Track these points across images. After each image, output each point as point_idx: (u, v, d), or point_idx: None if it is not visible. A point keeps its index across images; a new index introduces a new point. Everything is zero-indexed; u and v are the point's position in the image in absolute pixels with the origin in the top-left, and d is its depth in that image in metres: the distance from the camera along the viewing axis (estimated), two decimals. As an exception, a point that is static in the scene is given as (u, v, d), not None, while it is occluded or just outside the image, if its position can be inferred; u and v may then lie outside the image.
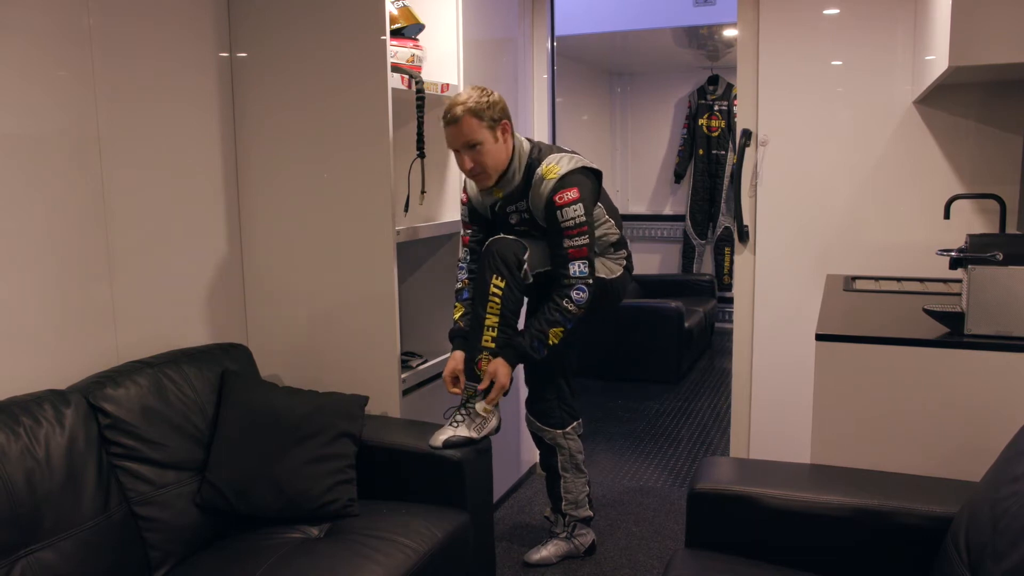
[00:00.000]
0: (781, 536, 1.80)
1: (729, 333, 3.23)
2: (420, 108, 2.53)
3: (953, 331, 1.90)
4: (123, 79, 2.20)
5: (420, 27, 2.63)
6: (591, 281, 2.40)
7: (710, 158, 6.32)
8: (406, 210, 2.57)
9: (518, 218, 2.52)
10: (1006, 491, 1.40)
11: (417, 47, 2.60)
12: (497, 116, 2.37)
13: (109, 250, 2.18)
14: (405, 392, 2.58)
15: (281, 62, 2.50)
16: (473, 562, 2.26)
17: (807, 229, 3.04)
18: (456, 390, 2.46)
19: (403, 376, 2.55)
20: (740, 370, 3.19)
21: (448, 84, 2.71)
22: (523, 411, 3.30)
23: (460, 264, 2.64)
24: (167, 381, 2.14)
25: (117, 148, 2.19)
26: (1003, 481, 1.44)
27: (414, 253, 2.90)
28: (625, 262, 2.67)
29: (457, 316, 2.57)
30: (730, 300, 3.00)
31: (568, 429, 2.74)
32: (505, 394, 2.46)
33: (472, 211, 2.62)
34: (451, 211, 2.85)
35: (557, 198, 2.37)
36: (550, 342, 2.40)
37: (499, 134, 2.39)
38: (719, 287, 6.36)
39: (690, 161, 6.40)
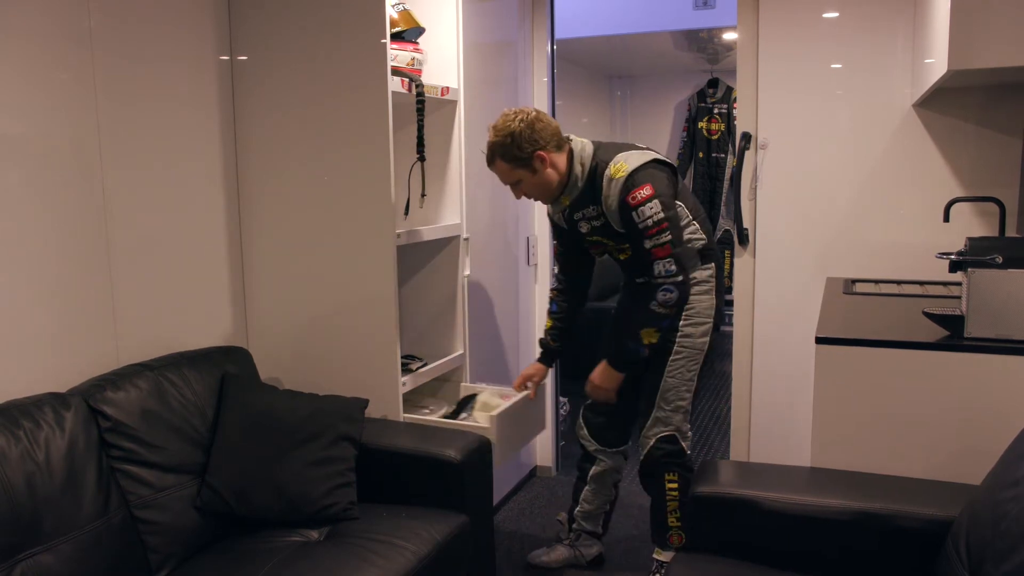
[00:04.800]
0: (781, 539, 1.80)
1: (729, 336, 3.22)
2: (420, 111, 2.53)
3: (953, 334, 1.90)
4: (124, 81, 2.20)
5: (420, 30, 2.63)
6: (680, 278, 2.27)
7: (710, 161, 6.32)
8: (406, 213, 2.58)
9: (588, 227, 2.47)
10: (1006, 494, 1.40)
11: (417, 50, 2.60)
12: (527, 152, 2.32)
13: (109, 252, 2.18)
14: (406, 395, 2.58)
15: (281, 65, 2.50)
16: (473, 565, 2.26)
17: (807, 232, 3.04)
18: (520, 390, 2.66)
19: (403, 379, 2.55)
20: (740, 373, 3.19)
21: (448, 87, 2.71)
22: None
23: (555, 271, 2.73)
24: (167, 384, 2.14)
25: (117, 150, 2.19)
26: (1003, 484, 1.44)
27: (414, 256, 2.90)
28: (714, 281, 2.46)
29: (548, 326, 2.69)
30: (730, 303, 2.99)
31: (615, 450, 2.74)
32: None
33: (554, 225, 2.66)
34: (451, 214, 2.85)
35: (630, 199, 2.28)
36: (645, 342, 2.35)
37: (537, 165, 2.36)
38: (719, 290, 6.35)
39: (690, 164, 6.40)
